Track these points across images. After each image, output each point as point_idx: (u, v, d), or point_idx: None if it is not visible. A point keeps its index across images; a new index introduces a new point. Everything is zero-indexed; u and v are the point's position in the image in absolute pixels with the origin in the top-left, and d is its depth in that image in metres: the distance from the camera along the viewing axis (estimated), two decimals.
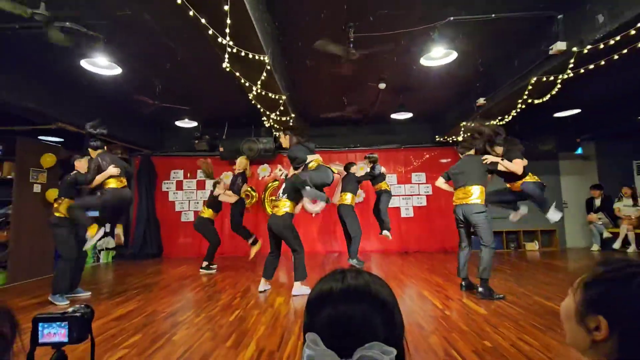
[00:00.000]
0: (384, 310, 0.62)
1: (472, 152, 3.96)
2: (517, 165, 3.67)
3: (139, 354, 2.42)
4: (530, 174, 3.86)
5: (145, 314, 3.35)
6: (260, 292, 4.07)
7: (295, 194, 3.99)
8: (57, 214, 3.99)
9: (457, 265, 4.01)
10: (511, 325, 2.79)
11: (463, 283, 3.95)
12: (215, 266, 5.65)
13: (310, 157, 4.05)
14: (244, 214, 5.98)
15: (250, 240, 5.78)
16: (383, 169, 5.97)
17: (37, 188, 5.47)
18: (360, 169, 6.08)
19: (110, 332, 2.85)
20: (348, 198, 5.68)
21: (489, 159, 3.74)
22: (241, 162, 5.91)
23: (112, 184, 3.96)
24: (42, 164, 5.54)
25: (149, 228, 7.32)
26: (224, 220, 7.15)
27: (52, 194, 5.59)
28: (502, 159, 3.73)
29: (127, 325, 3.00)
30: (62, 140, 6.51)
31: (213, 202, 5.77)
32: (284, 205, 3.97)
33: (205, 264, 5.53)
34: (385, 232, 5.86)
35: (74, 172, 4.18)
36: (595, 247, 6.98)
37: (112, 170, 3.93)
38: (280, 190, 4.11)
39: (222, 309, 3.47)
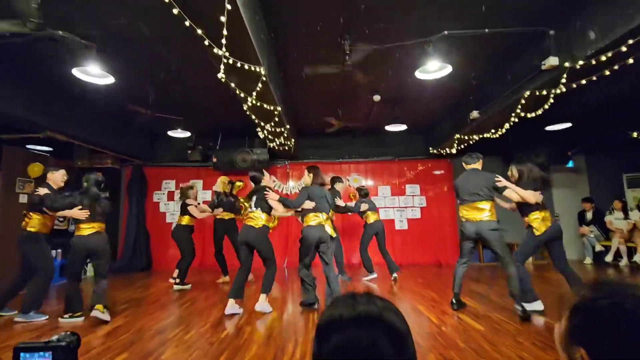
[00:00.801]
0: (397, 340, 0.58)
1: (478, 164, 3.78)
2: (528, 195, 3.47)
3: None
4: (541, 212, 3.61)
5: (133, 330, 3.22)
6: (227, 315, 3.63)
7: (269, 207, 3.87)
8: (30, 229, 3.69)
9: (452, 279, 3.87)
10: (509, 342, 2.74)
11: (454, 300, 3.74)
12: (189, 285, 5.16)
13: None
14: (223, 239, 5.59)
15: (223, 276, 5.64)
16: (364, 207, 5.46)
17: (23, 198, 5.32)
18: (352, 195, 5.87)
19: (95, 350, 2.72)
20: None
21: (503, 182, 3.56)
22: (219, 183, 5.65)
23: (81, 229, 3.59)
24: (30, 173, 5.40)
25: (138, 240, 7.16)
26: (205, 232, 7.01)
27: None
28: (515, 184, 3.59)
29: (114, 343, 2.87)
30: (51, 149, 6.38)
31: (185, 207, 5.41)
32: (260, 218, 3.82)
33: (178, 280, 5.12)
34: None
35: (44, 188, 3.75)
36: (588, 260, 7.00)
37: (75, 213, 3.55)
38: (252, 202, 3.91)
39: (212, 325, 3.35)
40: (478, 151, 4.04)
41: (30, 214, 3.79)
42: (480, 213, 3.56)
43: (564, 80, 3.51)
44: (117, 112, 5.66)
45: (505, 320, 3.30)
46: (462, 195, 3.69)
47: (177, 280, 5.15)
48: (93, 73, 3.72)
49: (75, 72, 3.65)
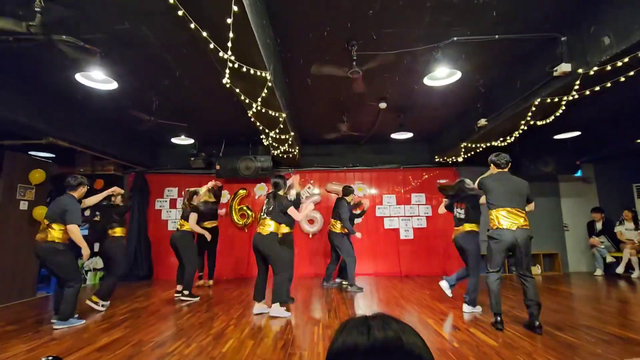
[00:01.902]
0: None
1: (507, 169, 3.56)
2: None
3: None
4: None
5: (132, 343, 3.10)
6: (256, 314, 3.99)
7: (282, 216, 4.08)
8: (59, 240, 3.66)
9: (490, 298, 3.42)
10: (525, 359, 2.60)
11: (499, 319, 3.32)
12: (198, 297, 4.93)
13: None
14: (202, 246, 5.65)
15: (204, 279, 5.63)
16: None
17: (24, 205, 5.25)
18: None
19: None
20: (338, 226, 5.52)
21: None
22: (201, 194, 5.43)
23: None
24: (31, 180, 5.33)
25: (139, 248, 7.05)
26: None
27: (39, 211, 5.37)
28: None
29: (111, 358, 2.75)
30: (53, 155, 6.33)
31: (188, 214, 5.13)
32: (269, 225, 4.02)
33: (186, 292, 4.84)
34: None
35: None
36: (599, 272, 6.83)
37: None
38: (264, 210, 4.14)
39: (214, 337, 3.23)
40: (483, 159, 3.95)
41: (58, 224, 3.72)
42: (519, 220, 3.32)
43: (577, 87, 3.42)
44: (120, 118, 5.61)
45: (520, 336, 3.16)
46: (497, 199, 3.41)
47: (186, 292, 4.83)
48: (96, 78, 3.68)
49: (78, 77, 3.61)
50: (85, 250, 3.73)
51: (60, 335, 3.36)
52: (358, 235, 5.49)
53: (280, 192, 4.18)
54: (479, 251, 4.09)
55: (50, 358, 0.79)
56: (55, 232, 3.64)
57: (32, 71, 3.98)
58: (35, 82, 4.21)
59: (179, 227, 5.19)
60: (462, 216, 4.12)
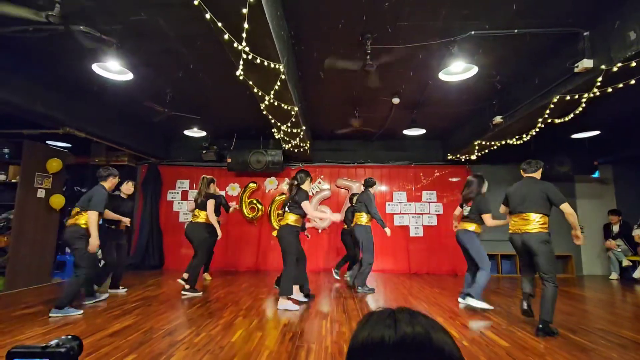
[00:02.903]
0: None
1: (537, 174, 3.50)
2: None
3: None
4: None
5: (143, 330, 3.15)
6: (303, 302, 4.28)
7: (298, 209, 4.13)
8: (83, 226, 3.79)
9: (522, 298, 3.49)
10: None
11: (541, 326, 3.14)
12: (200, 293, 4.72)
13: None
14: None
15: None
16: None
17: (41, 193, 5.38)
18: None
19: (103, 350, 2.66)
20: (365, 218, 5.09)
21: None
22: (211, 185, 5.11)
23: None
24: (48, 169, 5.45)
25: (151, 238, 7.17)
26: (227, 230, 6.98)
27: (56, 199, 5.50)
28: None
29: (123, 343, 2.80)
30: (69, 145, 6.46)
31: (205, 203, 4.90)
32: (286, 219, 4.16)
33: (187, 286, 4.65)
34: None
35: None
36: (614, 276, 6.67)
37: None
38: (286, 205, 4.23)
39: (223, 327, 3.26)
40: (497, 158, 3.88)
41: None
42: (527, 224, 3.28)
43: (598, 84, 3.31)
44: (135, 110, 5.69)
45: (531, 337, 3.11)
46: (512, 205, 3.47)
47: (187, 287, 4.65)
48: (112, 69, 3.72)
49: (95, 67, 3.66)
50: (94, 240, 3.72)
51: (74, 320, 3.45)
52: (387, 231, 5.00)
53: (303, 186, 4.21)
54: (480, 247, 4.12)
55: (69, 337, 0.78)
56: (82, 218, 3.81)
57: (51, 61, 4.05)
58: (54, 72, 4.29)
59: (193, 218, 4.99)
60: (466, 213, 4.21)
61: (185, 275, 4.80)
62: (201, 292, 4.76)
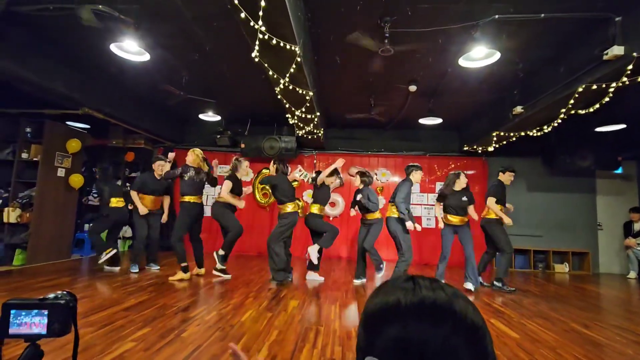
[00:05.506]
0: (473, 338, 0.44)
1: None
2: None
3: (145, 348, 2.29)
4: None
5: (156, 306, 3.24)
6: (309, 280, 4.88)
7: (321, 199, 4.97)
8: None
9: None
10: (548, 354, 2.52)
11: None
12: (229, 276, 4.69)
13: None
14: (188, 226, 4.65)
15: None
16: (358, 197, 4.88)
17: (61, 172, 5.53)
18: (379, 189, 6.14)
19: (118, 322, 2.75)
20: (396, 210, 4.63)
21: None
22: (192, 156, 4.82)
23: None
24: (68, 148, 5.60)
25: (167, 220, 7.29)
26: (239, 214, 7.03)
27: (75, 179, 5.65)
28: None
29: (137, 317, 2.89)
30: (88, 127, 6.60)
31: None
32: (312, 206, 4.97)
33: (222, 252, 4.58)
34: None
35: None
36: (632, 275, 6.48)
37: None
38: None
39: (234, 307, 3.32)
40: (515, 149, 3.79)
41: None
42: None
43: (628, 73, 3.16)
44: (151, 92, 5.73)
45: (542, 329, 3.06)
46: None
47: (221, 252, 4.57)
48: (130, 49, 3.74)
49: (113, 47, 3.69)
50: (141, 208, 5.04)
51: (92, 294, 3.57)
52: (418, 227, 4.62)
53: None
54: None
55: (65, 292, 0.79)
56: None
57: (71, 41, 4.10)
58: (73, 52, 4.34)
59: (217, 199, 4.79)
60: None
61: (222, 252, 4.64)
62: (230, 275, 4.70)
